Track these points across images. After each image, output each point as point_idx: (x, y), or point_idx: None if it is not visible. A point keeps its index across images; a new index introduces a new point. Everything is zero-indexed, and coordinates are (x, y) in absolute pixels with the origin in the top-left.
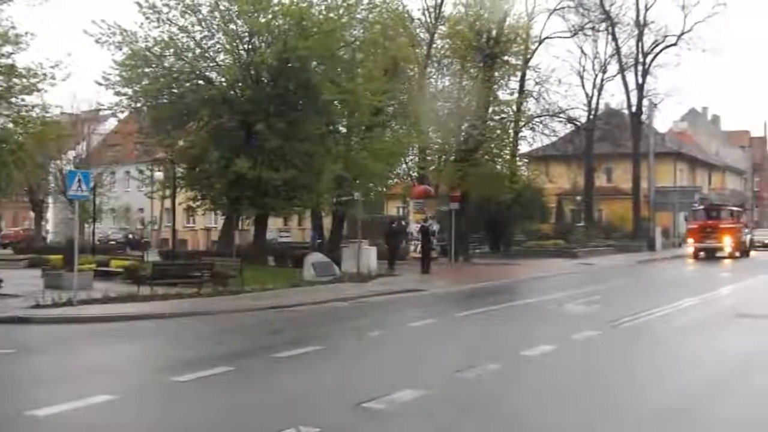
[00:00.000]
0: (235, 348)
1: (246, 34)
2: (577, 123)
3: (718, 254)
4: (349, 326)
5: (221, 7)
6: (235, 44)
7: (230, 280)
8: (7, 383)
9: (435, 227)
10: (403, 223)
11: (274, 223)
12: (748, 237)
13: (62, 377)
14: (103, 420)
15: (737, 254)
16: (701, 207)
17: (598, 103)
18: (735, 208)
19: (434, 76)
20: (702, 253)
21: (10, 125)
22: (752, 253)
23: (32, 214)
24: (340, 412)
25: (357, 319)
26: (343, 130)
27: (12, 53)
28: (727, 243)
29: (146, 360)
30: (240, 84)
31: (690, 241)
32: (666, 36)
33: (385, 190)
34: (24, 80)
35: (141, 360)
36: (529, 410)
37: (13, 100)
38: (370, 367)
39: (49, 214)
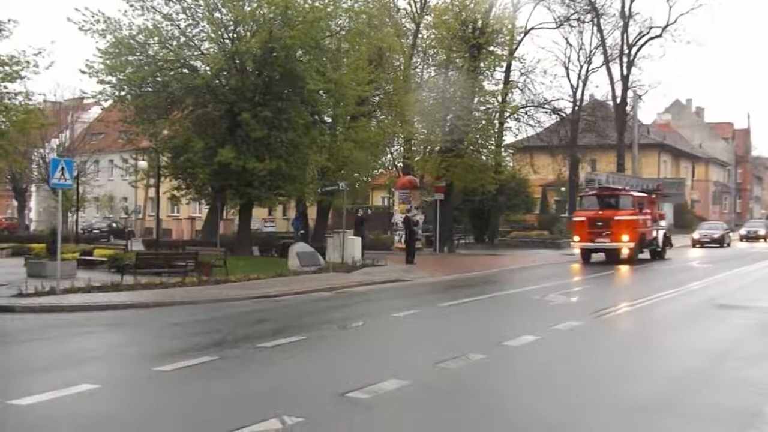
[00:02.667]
0: (219, 337)
1: (231, 22)
2: (562, 114)
3: (620, 256)
4: (333, 316)
5: None
6: (219, 33)
7: (214, 269)
8: None
9: (419, 218)
10: (369, 212)
11: (258, 213)
12: (661, 233)
13: (45, 366)
14: (86, 409)
15: (639, 255)
16: (591, 192)
17: (583, 95)
18: (639, 194)
19: (420, 67)
20: (593, 255)
21: None
22: (696, 252)
23: (15, 203)
24: (324, 401)
25: (341, 309)
26: (329, 120)
27: None
28: (625, 241)
29: (129, 349)
30: (225, 73)
31: (575, 239)
32: (651, 27)
33: (370, 180)
34: (7, 68)
35: (124, 349)
36: (511, 400)
37: None
38: (354, 357)
39: (32, 203)
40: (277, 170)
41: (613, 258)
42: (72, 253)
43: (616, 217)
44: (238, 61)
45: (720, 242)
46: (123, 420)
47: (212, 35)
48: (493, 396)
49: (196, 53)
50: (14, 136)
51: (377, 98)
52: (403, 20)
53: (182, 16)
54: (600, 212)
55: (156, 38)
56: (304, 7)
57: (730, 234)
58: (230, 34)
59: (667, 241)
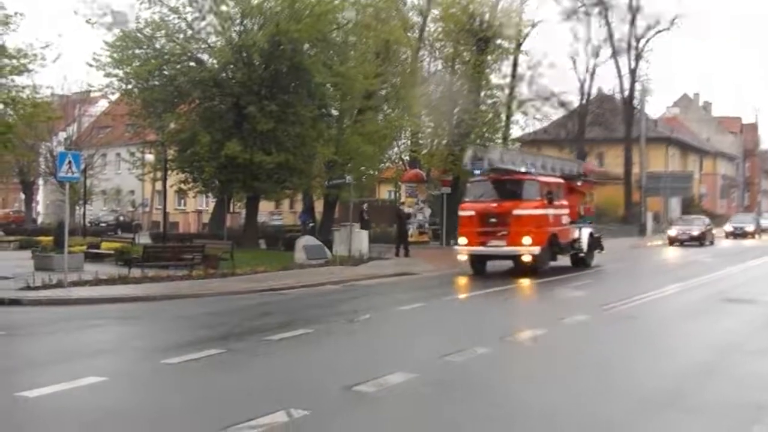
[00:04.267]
0: (226, 330)
1: (238, 16)
2: (570, 107)
3: (523, 262)
4: (340, 309)
5: None
6: (226, 26)
7: (221, 262)
8: None
9: (426, 211)
10: (365, 206)
11: (265, 207)
12: (587, 232)
13: (52, 359)
14: (93, 402)
15: (556, 261)
16: (483, 178)
17: (590, 88)
18: (551, 179)
19: (427, 60)
20: (484, 263)
21: (0, 106)
22: (661, 253)
23: (23, 196)
24: (330, 394)
25: (347, 302)
26: (335, 113)
27: (1, 34)
28: (526, 244)
29: (136, 342)
30: (231, 66)
31: (462, 241)
32: (659, 21)
33: (376, 173)
34: (14, 61)
35: (131, 342)
36: (518, 394)
37: (3, 81)
38: (361, 350)
39: (40, 196)
40: (284, 163)
41: (519, 267)
42: (79, 246)
43: (516, 211)
44: (244, 55)
45: (700, 240)
46: (130, 412)
47: (219, 28)
48: (500, 390)
49: (202, 46)
50: (22, 129)
51: (384, 91)
52: (410, 13)
53: (189, 9)
54: (493, 204)
55: (163, 31)
56: (311, 0)
57: (713, 231)
58: (237, 28)
59: (596, 244)
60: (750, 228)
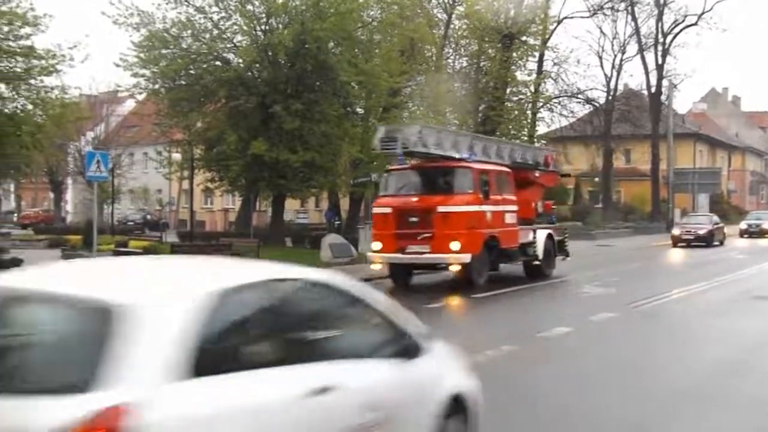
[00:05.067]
0: None
1: (263, 15)
2: (596, 104)
3: (451, 272)
4: None
5: None
6: (252, 25)
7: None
8: None
9: None
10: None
11: (291, 205)
12: (543, 235)
13: None
14: None
15: (486, 274)
16: (404, 166)
17: (617, 84)
18: (492, 167)
19: (452, 57)
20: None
21: (30, 107)
22: (656, 257)
23: (52, 195)
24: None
25: None
26: (361, 111)
27: (31, 35)
28: (455, 251)
29: None
30: (257, 65)
31: (375, 246)
32: (686, 15)
33: None
34: (43, 62)
35: None
36: (546, 392)
37: (33, 81)
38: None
39: (69, 195)
40: (310, 162)
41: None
42: (108, 244)
43: (441, 208)
44: (270, 54)
45: (707, 240)
46: None
47: (245, 28)
48: (526, 388)
49: (228, 46)
50: (51, 129)
51: (409, 89)
52: (435, 10)
53: (215, 9)
54: (414, 199)
55: (189, 31)
56: None
57: (725, 229)
58: (262, 27)
59: (558, 248)
60: (767, 225)
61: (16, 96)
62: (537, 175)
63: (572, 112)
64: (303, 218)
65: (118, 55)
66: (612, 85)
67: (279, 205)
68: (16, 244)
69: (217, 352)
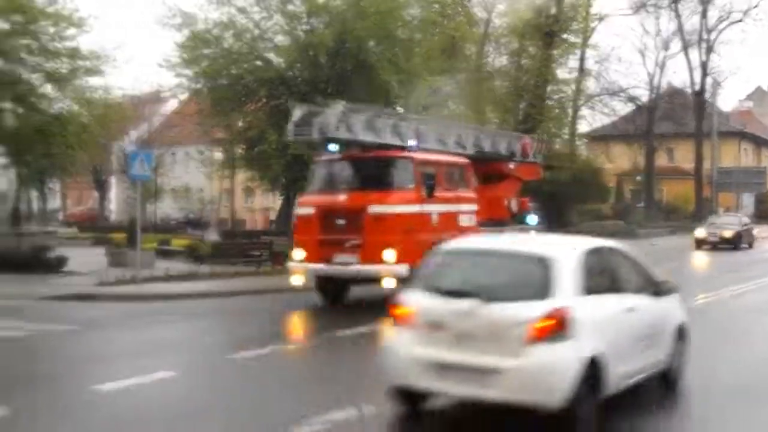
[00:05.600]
0: (294, 327)
1: (304, 15)
2: (638, 102)
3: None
4: None
5: None
6: (293, 25)
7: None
8: (73, 359)
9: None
10: None
11: None
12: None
13: (125, 353)
14: (163, 395)
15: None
16: (334, 156)
17: (660, 82)
18: (434, 158)
19: (492, 55)
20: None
21: (75, 107)
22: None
23: (96, 194)
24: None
25: None
26: (401, 110)
27: (76, 36)
28: (389, 261)
29: (206, 338)
30: (298, 65)
31: (297, 255)
32: (731, 12)
33: None
34: (87, 62)
35: (201, 337)
36: None
37: (77, 82)
38: None
39: (113, 194)
40: None
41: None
42: (151, 243)
43: (373, 209)
44: (311, 53)
45: (734, 242)
46: (199, 407)
47: (285, 27)
48: None
49: (269, 46)
50: (95, 129)
51: (450, 88)
52: (475, 9)
53: (256, 9)
54: (342, 197)
55: (230, 31)
56: None
57: (754, 231)
58: (303, 26)
59: None
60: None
61: (61, 96)
62: (511, 166)
63: (614, 110)
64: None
65: (161, 56)
66: (655, 82)
67: None
68: (62, 242)
69: (590, 282)
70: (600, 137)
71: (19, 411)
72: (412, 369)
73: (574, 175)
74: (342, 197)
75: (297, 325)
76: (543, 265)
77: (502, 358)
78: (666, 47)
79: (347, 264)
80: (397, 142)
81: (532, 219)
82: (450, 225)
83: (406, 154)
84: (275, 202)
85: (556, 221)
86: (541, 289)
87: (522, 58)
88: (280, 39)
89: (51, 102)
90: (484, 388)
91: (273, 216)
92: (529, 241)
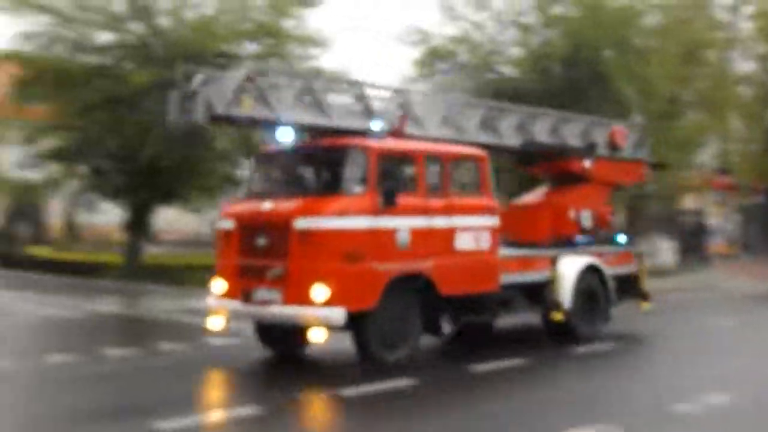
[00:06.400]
0: (534, 341)
1: (538, 26)
2: None
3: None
4: (645, 323)
5: (513, 1)
6: (527, 37)
7: None
8: None
9: (734, 221)
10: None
11: None
12: (571, 266)
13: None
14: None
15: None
16: (281, 148)
17: None
18: (403, 147)
19: (737, 60)
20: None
21: None
22: None
23: None
24: (644, 412)
25: (657, 316)
26: (639, 120)
27: (318, 55)
28: (317, 300)
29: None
30: (530, 77)
31: (216, 288)
32: None
33: (680, 182)
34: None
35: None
36: None
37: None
38: (672, 368)
39: None
40: None
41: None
42: None
43: (299, 223)
44: (544, 65)
45: None
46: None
47: (519, 40)
48: None
49: (502, 59)
50: None
51: (689, 95)
52: (718, 12)
53: (491, 23)
54: (266, 207)
55: (465, 46)
56: (614, 6)
57: None
58: (537, 38)
59: (629, 289)
60: None
61: None
62: (586, 164)
63: None
64: None
65: (396, 73)
66: None
67: None
68: None
69: None
70: None
71: None
72: None
73: None
74: (266, 206)
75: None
76: None
77: None
78: None
79: (266, 303)
80: (356, 125)
81: (622, 237)
82: (437, 247)
83: (357, 141)
84: None
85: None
86: None
87: None
88: (514, 51)
89: None
90: None
91: None
92: None
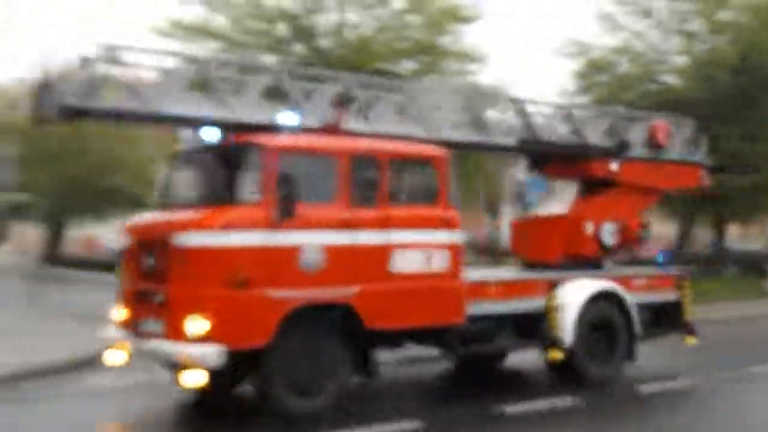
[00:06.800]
0: (701, 361)
1: (704, 33)
2: None
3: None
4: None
5: (677, 8)
6: (692, 45)
7: None
8: None
9: None
10: None
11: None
12: (576, 294)
13: None
14: None
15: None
16: (194, 147)
17: None
18: (354, 144)
19: None
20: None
21: None
22: None
23: (489, 219)
24: None
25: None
26: None
27: (477, 72)
28: (191, 334)
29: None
30: (695, 86)
31: (116, 315)
32: None
33: None
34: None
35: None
36: None
37: None
38: None
39: (503, 221)
40: (754, 185)
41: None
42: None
43: (177, 240)
44: (710, 72)
45: None
46: None
47: (683, 47)
48: None
49: (665, 68)
50: (484, 158)
51: None
52: None
53: (654, 32)
54: (155, 220)
55: (626, 56)
56: None
57: None
58: (703, 45)
59: (667, 320)
60: None
61: None
62: (613, 167)
63: None
64: (742, 244)
65: (554, 86)
66: None
67: (719, 231)
68: None
69: None
70: None
71: None
72: None
73: None
74: (157, 218)
75: None
76: None
77: None
78: None
79: (150, 335)
80: (265, 120)
81: (659, 257)
82: (365, 270)
83: (256, 138)
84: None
85: None
86: None
87: None
88: (678, 60)
89: None
90: None
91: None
92: None
